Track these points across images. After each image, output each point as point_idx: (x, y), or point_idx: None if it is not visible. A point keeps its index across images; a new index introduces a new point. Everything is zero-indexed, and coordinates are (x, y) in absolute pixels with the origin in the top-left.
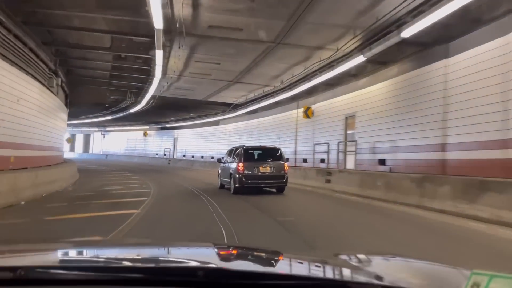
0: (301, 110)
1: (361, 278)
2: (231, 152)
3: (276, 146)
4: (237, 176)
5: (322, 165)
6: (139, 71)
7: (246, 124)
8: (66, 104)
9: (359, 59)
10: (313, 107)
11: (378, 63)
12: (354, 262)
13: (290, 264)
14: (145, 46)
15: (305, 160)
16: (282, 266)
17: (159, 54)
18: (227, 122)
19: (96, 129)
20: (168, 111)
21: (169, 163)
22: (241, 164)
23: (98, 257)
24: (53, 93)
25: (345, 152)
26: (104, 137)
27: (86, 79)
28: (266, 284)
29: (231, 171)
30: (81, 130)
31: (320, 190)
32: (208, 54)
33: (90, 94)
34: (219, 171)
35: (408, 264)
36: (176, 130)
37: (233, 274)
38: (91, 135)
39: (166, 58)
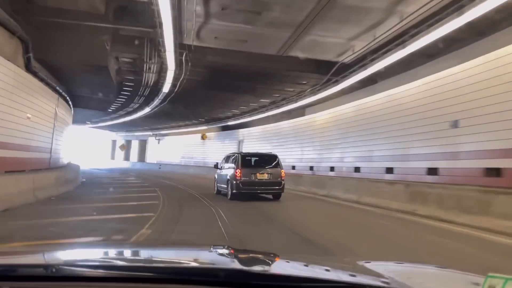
0: None
1: (373, 283)
2: (228, 158)
3: (273, 153)
4: (234, 182)
5: None
6: None
7: (358, 108)
8: (28, 63)
9: None
10: None
11: None
12: (373, 268)
13: (308, 267)
14: None
15: None
16: (301, 269)
17: None
18: (319, 107)
19: (151, 133)
20: (227, 94)
21: None
22: (238, 171)
23: (121, 257)
24: None
25: None
26: (158, 142)
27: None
28: (284, 285)
29: (228, 177)
30: (136, 135)
31: None
32: None
33: (73, 43)
34: (216, 177)
35: (419, 269)
36: (241, 130)
37: (258, 276)
38: (147, 141)
39: None
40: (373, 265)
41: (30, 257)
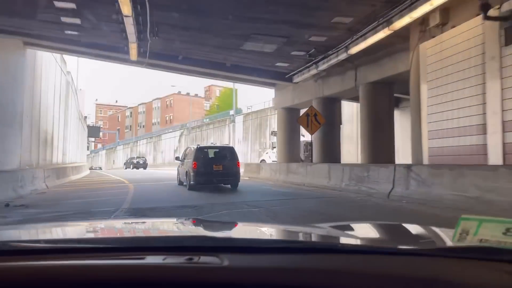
0: None
1: (350, 241)
2: (187, 151)
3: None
4: (192, 174)
5: None
6: None
7: None
8: None
9: None
10: None
11: None
12: (338, 229)
13: (283, 232)
14: None
15: None
16: (278, 234)
17: None
18: None
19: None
20: None
21: None
22: (195, 162)
23: (81, 231)
24: None
25: None
26: None
27: None
28: (265, 248)
29: (187, 169)
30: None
31: None
32: None
33: None
34: (178, 169)
35: (387, 226)
36: None
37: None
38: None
39: None
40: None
41: None
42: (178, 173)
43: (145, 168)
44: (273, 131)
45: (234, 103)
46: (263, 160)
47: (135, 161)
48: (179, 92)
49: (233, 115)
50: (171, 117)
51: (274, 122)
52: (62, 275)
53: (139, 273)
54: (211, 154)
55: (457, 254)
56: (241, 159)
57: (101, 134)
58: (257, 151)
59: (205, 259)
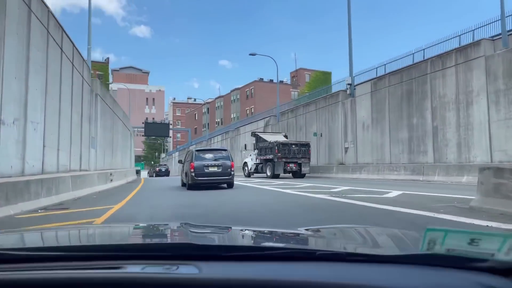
0: None
1: (328, 247)
2: (187, 153)
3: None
4: (190, 174)
5: None
6: None
7: None
8: None
9: None
10: None
11: None
12: (317, 234)
13: (259, 236)
14: None
15: None
16: (258, 239)
17: None
18: None
19: None
20: None
21: None
22: (192, 164)
23: (72, 238)
24: None
25: None
26: None
27: None
28: (247, 255)
29: (186, 170)
30: None
31: None
32: None
33: None
34: (181, 171)
35: (360, 231)
36: None
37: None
38: None
39: None
40: (316, 232)
41: None
42: (181, 175)
43: (167, 175)
44: (253, 132)
45: (350, 56)
46: (245, 163)
47: (157, 169)
48: (261, 79)
49: (350, 84)
50: (252, 110)
51: (441, 85)
52: None
53: (117, 284)
54: (207, 156)
55: (427, 261)
56: (371, 156)
57: (179, 135)
58: (401, 142)
59: (184, 269)
